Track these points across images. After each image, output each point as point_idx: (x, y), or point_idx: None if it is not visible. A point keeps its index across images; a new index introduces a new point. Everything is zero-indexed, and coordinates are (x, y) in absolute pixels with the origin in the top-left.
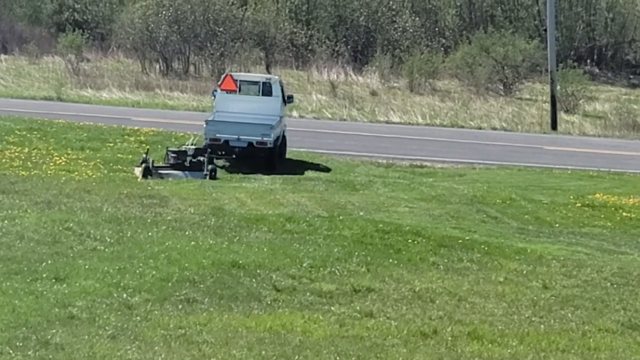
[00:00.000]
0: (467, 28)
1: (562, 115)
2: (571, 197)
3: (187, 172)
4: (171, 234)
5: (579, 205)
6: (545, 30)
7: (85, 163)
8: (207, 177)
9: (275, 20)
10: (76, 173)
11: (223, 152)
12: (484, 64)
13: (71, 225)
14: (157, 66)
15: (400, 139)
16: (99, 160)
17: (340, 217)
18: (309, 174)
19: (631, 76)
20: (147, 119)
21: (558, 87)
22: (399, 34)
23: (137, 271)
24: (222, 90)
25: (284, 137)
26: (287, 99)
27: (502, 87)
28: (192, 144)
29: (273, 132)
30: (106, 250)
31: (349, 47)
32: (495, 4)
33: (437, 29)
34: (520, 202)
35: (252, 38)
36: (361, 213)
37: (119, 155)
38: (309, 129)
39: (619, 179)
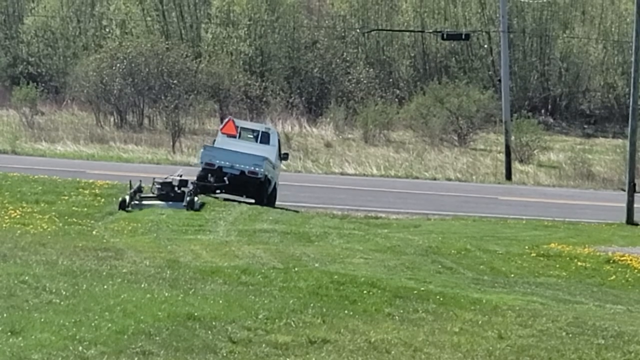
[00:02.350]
0: (422, 79)
1: (516, 166)
2: (526, 247)
3: (170, 202)
4: (127, 286)
5: (534, 255)
6: (500, 80)
7: (40, 216)
8: (187, 207)
9: (230, 72)
10: (31, 226)
11: (215, 178)
12: (438, 114)
13: (27, 278)
14: (112, 119)
15: (355, 190)
16: (54, 213)
17: (296, 269)
18: (265, 225)
19: (585, 126)
20: (102, 171)
21: (512, 137)
22: (353, 85)
23: (93, 324)
24: (222, 133)
25: (274, 188)
26: (282, 156)
27: (456, 138)
28: (179, 176)
29: (265, 165)
30: (62, 303)
31: (303, 98)
32: (449, 54)
33: (391, 79)
34: (475, 252)
35: (207, 90)
36: (316, 264)
37: (74, 208)
38: None
39: (573, 228)
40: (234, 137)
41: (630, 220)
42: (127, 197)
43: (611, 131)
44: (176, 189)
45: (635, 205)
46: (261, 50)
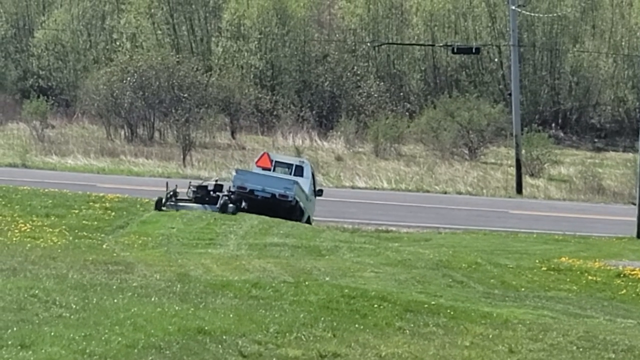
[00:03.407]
0: (432, 92)
1: (527, 179)
2: (537, 261)
3: (205, 205)
4: (137, 300)
5: (545, 269)
6: (510, 94)
7: (51, 230)
8: (220, 210)
9: (240, 85)
10: (41, 240)
11: (249, 201)
12: (449, 128)
13: (37, 292)
14: (122, 132)
15: (365, 204)
16: (64, 227)
17: (306, 283)
18: (275, 239)
19: (596, 140)
20: (112, 185)
21: (523, 151)
22: (363, 98)
23: (103, 338)
24: (257, 166)
25: (308, 218)
26: (317, 192)
27: (467, 152)
28: (214, 181)
29: (296, 190)
30: (72, 317)
31: (314, 112)
32: (459, 68)
33: (402, 93)
34: (486, 266)
35: (217, 104)
36: (327, 278)
37: (84, 221)
38: None
39: (584, 242)
40: (269, 169)
41: None
42: (163, 198)
43: (622, 145)
44: (211, 192)
45: None
46: (272, 64)
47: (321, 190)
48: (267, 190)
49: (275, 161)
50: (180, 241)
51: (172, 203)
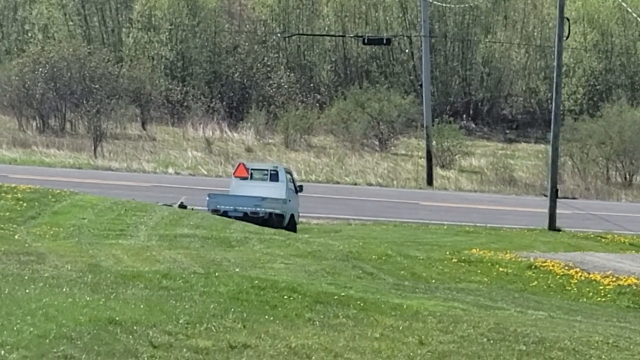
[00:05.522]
0: (343, 84)
1: (438, 171)
2: (447, 252)
3: None
4: (48, 290)
5: (455, 260)
6: (421, 85)
7: None
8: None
9: (151, 77)
10: None
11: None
12: (359, 119)
13: None
14: (34, 123)
15: None
16: None
17: (216, 274)
18: (185, 230)
19: (507, 131)
20: (24, 176)
21: (434, 143)
22: (274, 90)
23: (15, 328)
24: (235, 177)
25: (292, 215)
26: (297, 188)
27: (377, 143)
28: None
29: (266, 204)
30: None
31: (224, 103)
32: (370, 59)
33: (312, 84)
34: (396, 257)
35: (128, 95)
36: (237, 269)
37: None
38: (184, 186)
39: (495, 234)
40: (246, 178)
41: (552, 226)
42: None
43: (533, 136)
44: None
45: (557, 211)
46: (182, 55)
47: (301, 187)
48: (238, 209)
49: (251, 169)
50: (92, 232)
51: None
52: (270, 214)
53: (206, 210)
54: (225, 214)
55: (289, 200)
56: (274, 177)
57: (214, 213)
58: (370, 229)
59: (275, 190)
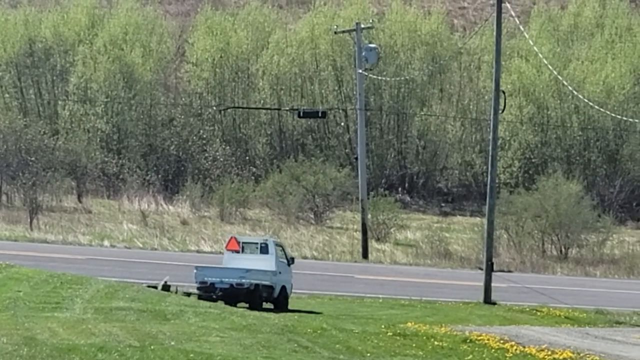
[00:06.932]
0: (278, 156)
1: (373, 244)
2: (382, 326)
3: None
4: None
5: (391, 334)
6: (356, 158)
7: None
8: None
9: (87, 149)
10: None
11: (211, 293)
12: (295, 192)
13: None
14: None
15: None
16: None
17: (152, 347)
18: (121, 303)
19: (442, 204)
20: None
21: (369, 216)
22: (209, 162)
23: None
24: (227, 250)
25: (283, 287)
26: (289, 260)
27: (313, 216)
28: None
29: (250, 276)
30: None
31: (159, 176)
32: (306, 132)
33: (247, 157)
34: (331, 331)
35: (64, 167)
36: (172, 343)
37: None
38: (119, 259)
39: (430, 307)
40: (238, 252)
41: (487, 300)
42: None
43: (469, 209)
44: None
45: (492, 285)
46: (118, 128)
47: (292, 259)
48: (224, 281)
49: (243, 242)
50: (27, 305)
51: None
52: (257, 285)
53: (193, 282)
54: (212, 285)
55: (279, 272)
56: (264, 249)
57: (202, 285)
58: (306, 302)
59: (266, 262)
